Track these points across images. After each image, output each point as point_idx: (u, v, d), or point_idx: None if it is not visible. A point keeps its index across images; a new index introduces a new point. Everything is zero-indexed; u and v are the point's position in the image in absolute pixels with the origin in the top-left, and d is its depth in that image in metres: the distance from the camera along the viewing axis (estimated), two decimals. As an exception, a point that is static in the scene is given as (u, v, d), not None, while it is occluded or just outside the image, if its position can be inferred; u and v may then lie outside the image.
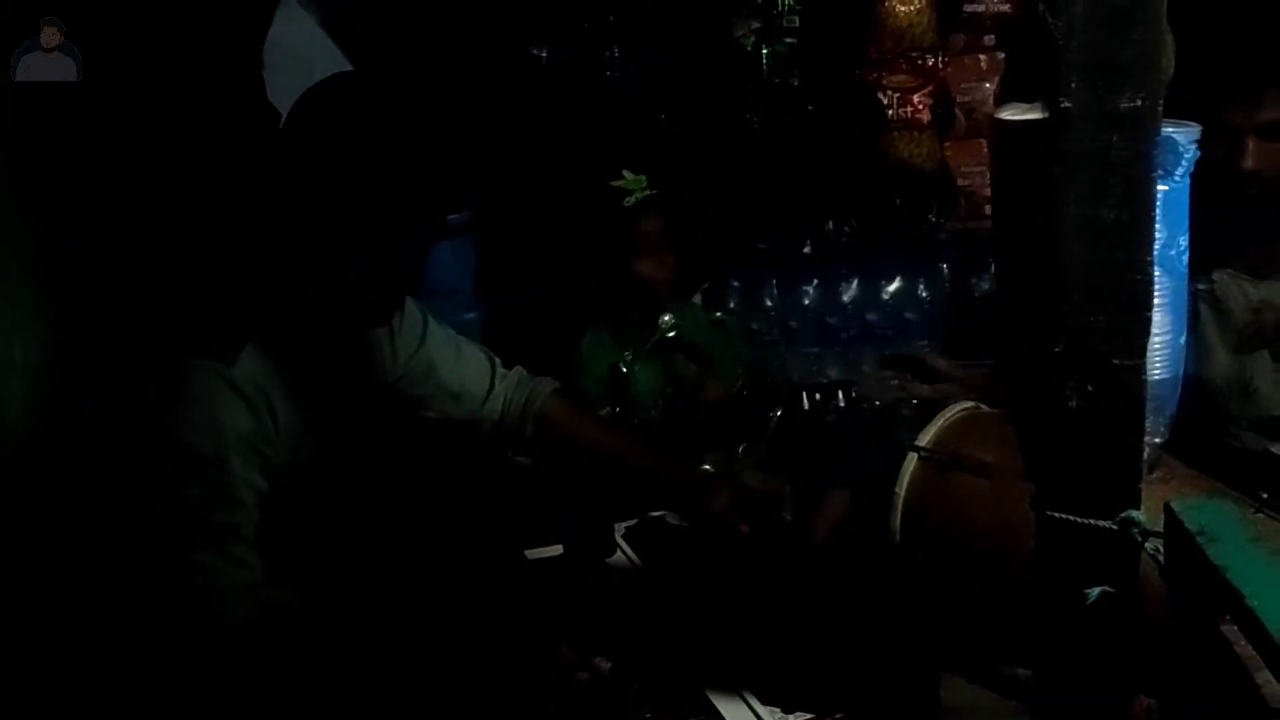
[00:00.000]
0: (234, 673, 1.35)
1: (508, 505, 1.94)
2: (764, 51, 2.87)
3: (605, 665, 1.43)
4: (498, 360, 1.79)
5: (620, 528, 1.96)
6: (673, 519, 1.97)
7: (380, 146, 1.31)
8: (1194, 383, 2.03)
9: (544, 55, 3.07)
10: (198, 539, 1.35)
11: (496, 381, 1.76)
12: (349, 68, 2.61)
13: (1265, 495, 1.47)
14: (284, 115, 2.07)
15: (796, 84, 2.88)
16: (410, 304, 1.69)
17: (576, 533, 1.85)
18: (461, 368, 1.73)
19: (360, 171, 1.30)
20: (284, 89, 2.19)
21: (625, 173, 2.33)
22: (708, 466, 2.04)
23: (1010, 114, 0.92)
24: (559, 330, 2.45)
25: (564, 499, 1.90)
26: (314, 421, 1.45)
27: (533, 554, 1.89)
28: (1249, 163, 1.81)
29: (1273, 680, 0.66)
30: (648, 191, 2.32)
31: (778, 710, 1.47)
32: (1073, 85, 0.84)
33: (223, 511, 1.35)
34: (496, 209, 3.02)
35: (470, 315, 2.89)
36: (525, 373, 1.80)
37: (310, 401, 1.44)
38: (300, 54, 2.35)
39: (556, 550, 1.87)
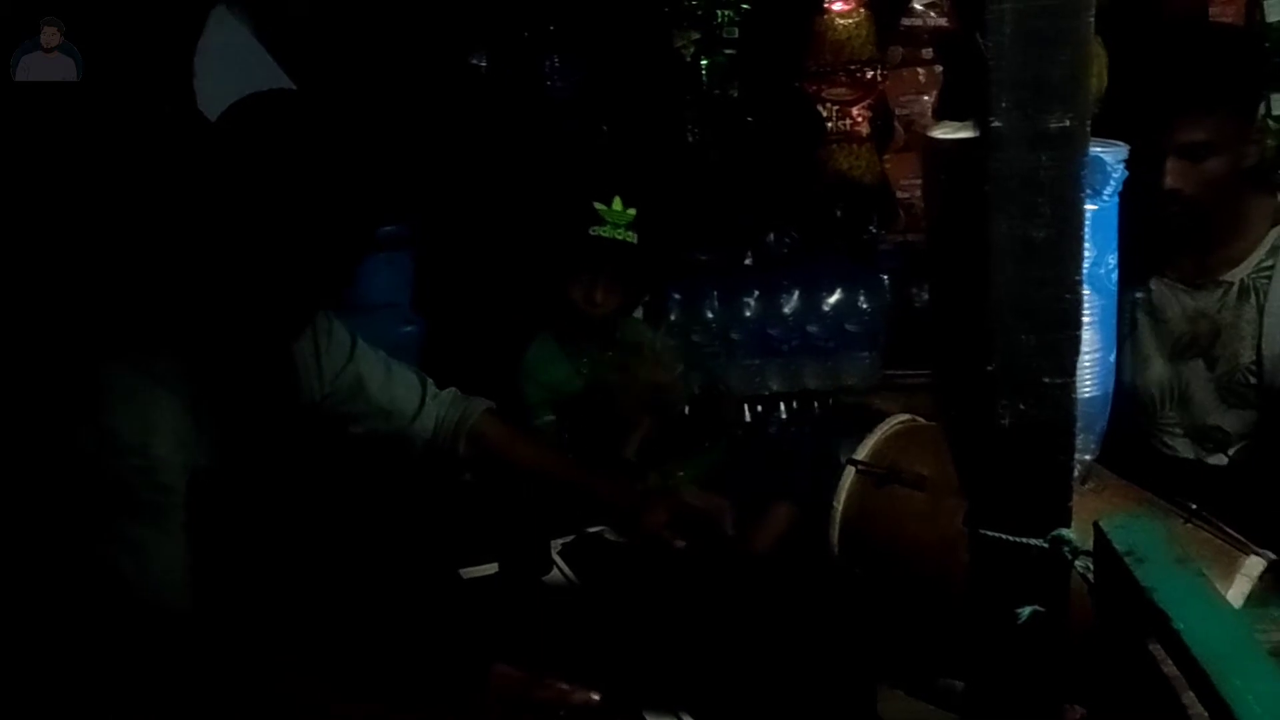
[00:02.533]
0: (172, 670, 1.30)
1: (442, 523, 1.92)
2: (703, 63, 2.88)
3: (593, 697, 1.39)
4: (430, 380, 1.78)
5: (557, 544, 1.94)
6: (610, 535, 1.95)
7: (300, 167, 1.29)
8: (1130, 390, 2.08)
9: (484, 65, 3.04)
10: (129, 511, 1.30)
11: (428, 399, 1.75)
12: (282, 77, 2.57)
13: (1194, 506, 1.49)
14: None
15: (736, 95, 2.89)
16: (337, 324, 1.67)
17: (511, 550, 1.83)
18: (391, 385, 1.72)
19: (277, 189, 1.28)
20: (214, 98, 2.15)
21: (617, 200, 2.27)
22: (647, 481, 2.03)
23: (942, 133, 0.92)
24: (498, 344, 2.43)
25: (499, 516, 1.88)
26: (236, 434, 1.42)
27: (467, 572, 1.87)
28: (1168, 182, 1.85)
29: (1197, 702, 0.67)
30: (628, 235, 2.26)
31: (716, 729, 1.46)
32: (1003, 105, 0.84)
33: (152, 491, 1.32)
34: (435, 221, 2.98)
35: (408, 329, 2.86)
36: (459, 392, 1.79)
37: (232, 413, 1.41)
38: (232, 63, 2.31)
39: (491, 568, 1.85)
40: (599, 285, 2.29)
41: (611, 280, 2.30)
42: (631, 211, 2.25)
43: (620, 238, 2.26)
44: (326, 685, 1.35)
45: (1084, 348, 0.90)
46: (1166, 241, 2.01)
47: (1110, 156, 0.92)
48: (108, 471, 1.30)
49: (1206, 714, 0.64)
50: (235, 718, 1.32)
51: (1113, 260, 0.95)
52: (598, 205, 2.25)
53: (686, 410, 2.42)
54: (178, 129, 2.10)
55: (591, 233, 2.25)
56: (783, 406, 2.92)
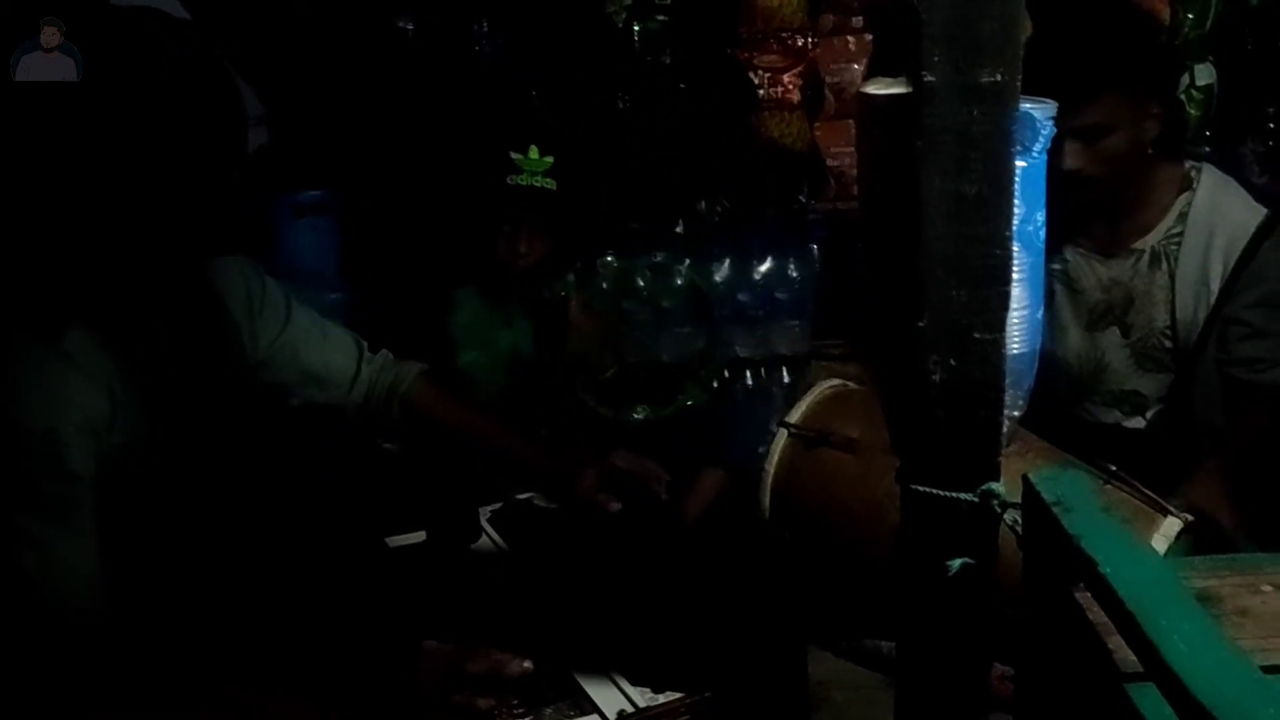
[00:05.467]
0: (73, 673, 1.27)
1: (368, 491, 1.89)
2: (635, 28, 2.85)
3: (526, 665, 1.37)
4: (365, 344, 1.74)
5: (486, 511, 1.93)
6: (539, 501, 1.95)
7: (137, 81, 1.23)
8: (1049, 359, 2.12)
9: (411, 29, 2.99)
10: (31, 506, 1.26)
11: (363, 366, 1.72)
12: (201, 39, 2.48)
13: (1113, 468, 1.53)
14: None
15: (668, 62, 2.87)
16: (273, 286, 1.63)
17: (440, 518, 1.81)
18: (327, 351, 1.68)
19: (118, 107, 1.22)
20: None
21: (533, 149, 2.27)
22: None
23: (875, 88, 0.92)
24: (426, 309, 2.40)
25: (427, 484, 1.86)
26: (159, 402, 1.37)
27: (394, 541, 1.84)
28: (1067, 163, 1.88)
29: (1124, 645, 0.68)
30: (546, 181, 2.27)
31: (647, 690, 1.46)
32: (935, 59, 0.84)
33: (58, 482, 1.27)
34: (361, 187, 2.93)
35: (334, 296, 2.81)
36: (391, 356, 1.76)
37: (154, 381, 1.36)
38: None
39: (419, 537, 1.83)
40: (521, 235, 2.30)
41: (533, 229, 2.30)
42: (549, 159, 2.27)
43: (539, 185, 2.26)
44: (250, 676, 1.32)
45: (1013, 304, 0.90)
46: (1079, 211, 2.05)
47: (1040, 113, 0.92)
48: (7, 461, 1.25)
49: (1133, 656, 0.65)
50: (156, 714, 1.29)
51: (1041, 217, 0.95)
52: (514, 155, 2.25)
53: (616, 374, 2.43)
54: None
55: (509, 182, 2.24)
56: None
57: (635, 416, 2.26)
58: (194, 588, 1.40)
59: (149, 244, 1.29)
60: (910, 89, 0.86)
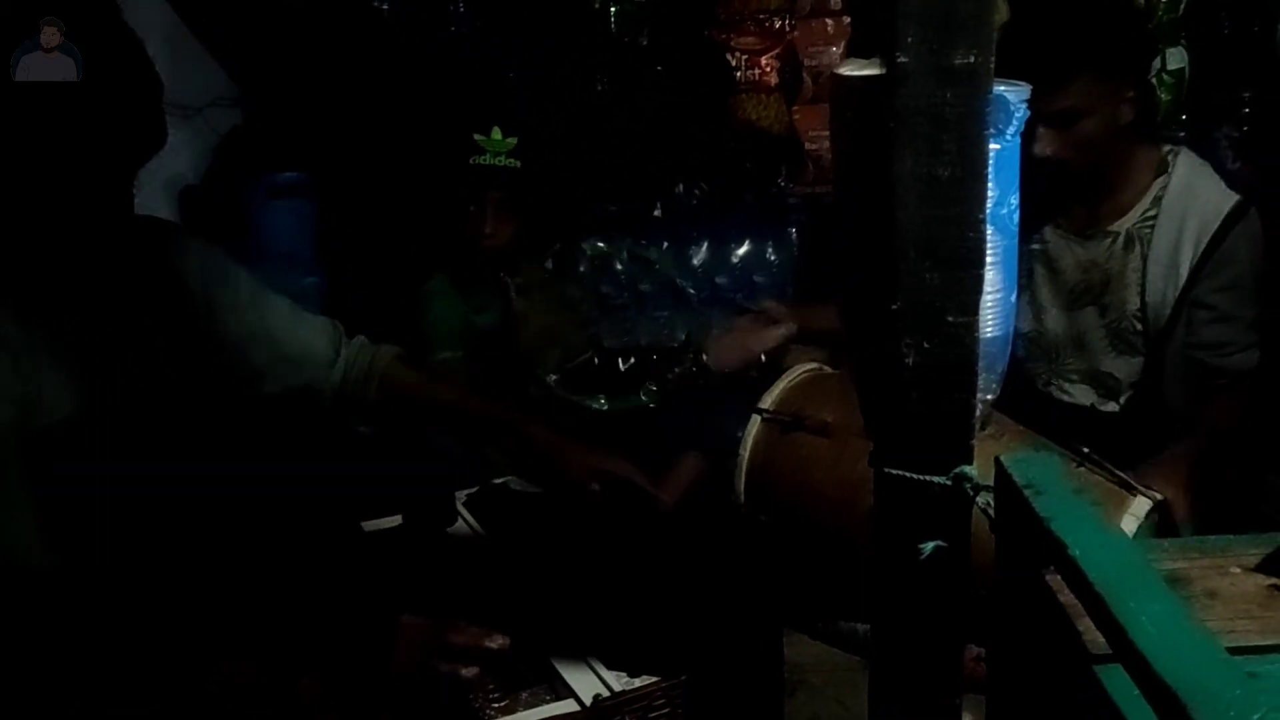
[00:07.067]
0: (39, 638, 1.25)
1: (343, 474, 1.87)
2: (612, 10, 2.83)
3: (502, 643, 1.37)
4: (342, 327, 1.72)
5: (461, 495, 1.92)
6: (515, 485, 1.94)
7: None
8: (1029, 338, 2.14)
9: (386, 9, 2.96)
10: None
11: (341, 348, 1.69)
12: (181, 27, 2.46)
13: (1085, 450, 1.54)
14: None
15: (645, 43, 2.86)
16: (238, 268, 1.59)
17: (416, 502, 1.80)
18: (304, 333, 1.66)
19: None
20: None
21: (496, 130, 2.27)
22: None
23: (849, 70, 0.91)
24: (401, 294, 2.38)
25: (403, 467, 1.85)
26: (96, 377, 1.34)
27: (370, 525, 1.83)
28: (1038, 149, 1.88)
29: (1093, 628, 0.68)
30: (510, 161, 2.26)
31: (623, 675, 1.46)
32: (909, 40, 0.83)
33: None
34: (337, 169, 2.91)
35: (310, 279, 2.79)
36: (367, 340, 1.74)
37: (90, 356, 1.33)
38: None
39: (395, 521, 1.82)
40: (487, 216, 2.29)
41: (499, 210, 2.29)
42: (512, 140, 2.27)
43: (502, 164, 2.25)
44: (215, 645, 1.30)
45: (987, 288, 0.90)
46: (1057, 194, 2.06)
47: (1013, 95, 0.92)
48: None
49: (1102, 638, 0.65)
50: (113, 682, 1.27)
51: (1015, 200, 0.95)
52: (476, 136, 2.24)
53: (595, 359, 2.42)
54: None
55: (471, 162, 2.24)
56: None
57: (595, 406, 2.25)
58: (164, 567, 1.38)
59: (67, 216, 1.27)
60: (884, 70, 0.85)
